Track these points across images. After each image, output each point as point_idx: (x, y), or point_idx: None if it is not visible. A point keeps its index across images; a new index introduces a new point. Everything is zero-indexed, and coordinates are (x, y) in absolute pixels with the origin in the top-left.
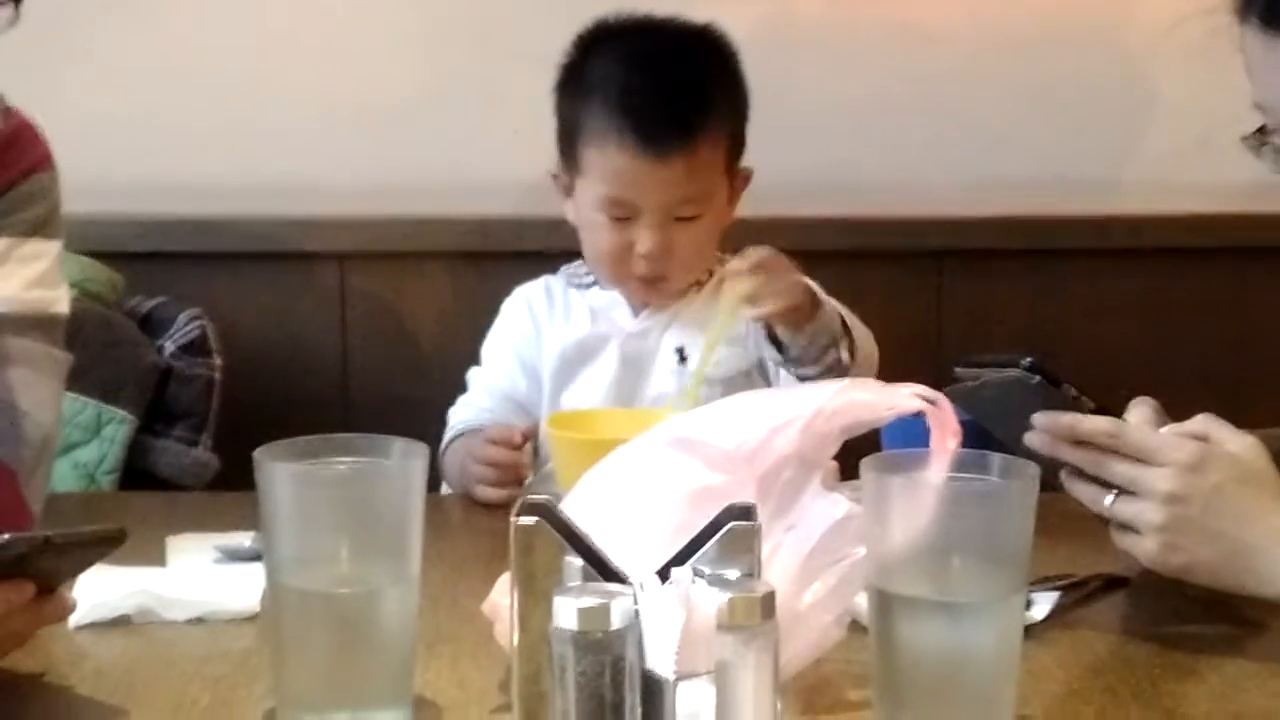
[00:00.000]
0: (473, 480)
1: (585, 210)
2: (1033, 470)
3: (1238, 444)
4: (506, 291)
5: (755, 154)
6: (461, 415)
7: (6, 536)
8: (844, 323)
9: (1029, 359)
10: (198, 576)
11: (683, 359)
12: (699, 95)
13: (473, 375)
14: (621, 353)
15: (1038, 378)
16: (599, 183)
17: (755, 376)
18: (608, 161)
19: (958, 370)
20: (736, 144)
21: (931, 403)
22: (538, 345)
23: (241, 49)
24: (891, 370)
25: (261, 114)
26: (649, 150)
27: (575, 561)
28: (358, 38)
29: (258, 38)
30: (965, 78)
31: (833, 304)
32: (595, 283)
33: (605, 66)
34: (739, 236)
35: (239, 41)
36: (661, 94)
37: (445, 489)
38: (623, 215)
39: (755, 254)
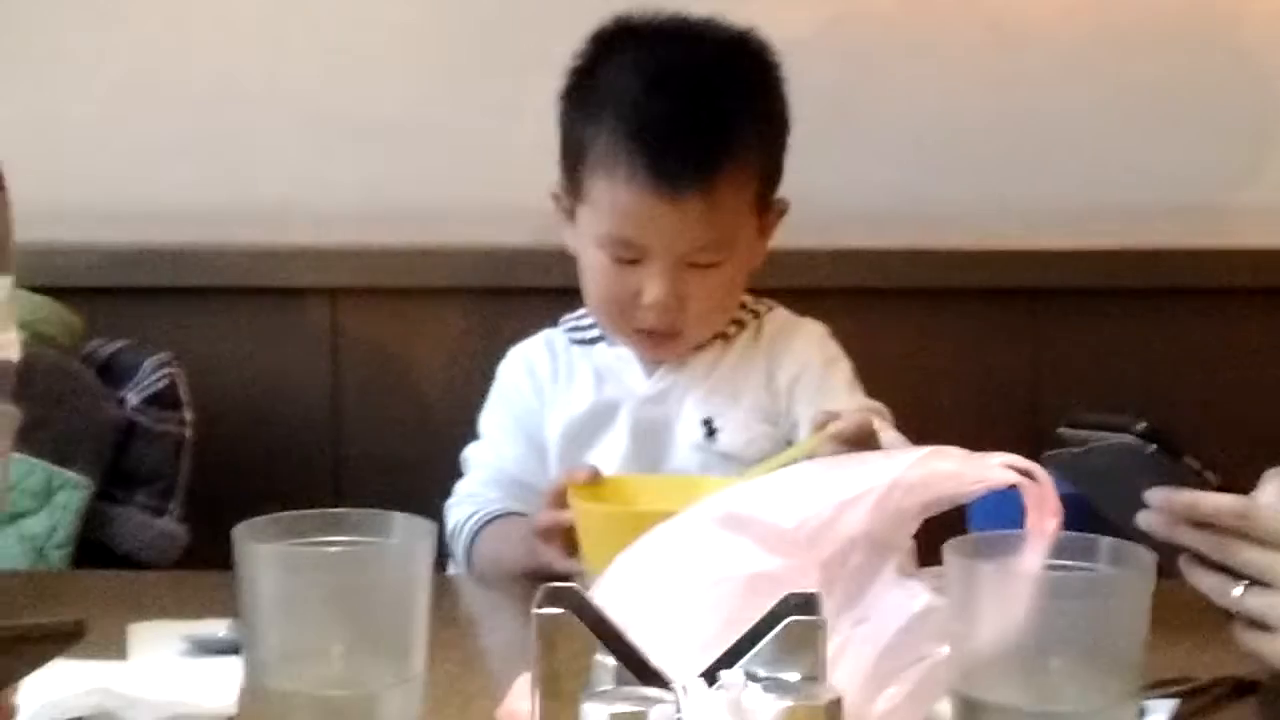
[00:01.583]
0: (544, 555)
1: (586, 245)
2: (1147, 557)
3: None
4: (524, 333)
5: (814, 175)
6: (465, 511)
7: None
8: None
9: (1144, 423)
10: (164, 672)
11: (711, 432)
12: (725, 126)
13: (471, 455)
14: (633, 421)
15: (1154, 446)
16: (602, 218)
17: None
18: (614, 196)
19: (1062, 431)
20: (770, 177)
21: (1028, 475)
22: (543, 418)
23: (220, 52)
24: (977, 430)
25: (242, 127)
26: (662, 189)
27: (607, 660)
28: (355, 40)
29: (239, 39)
30: (1062, 85)
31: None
32: (602, 337)
33: (620, 79)
34: (793, 271)
35: (217, 44)
36: (681, 123)
37: (453, 569)
38: (628, 258)
39: (851, 425)
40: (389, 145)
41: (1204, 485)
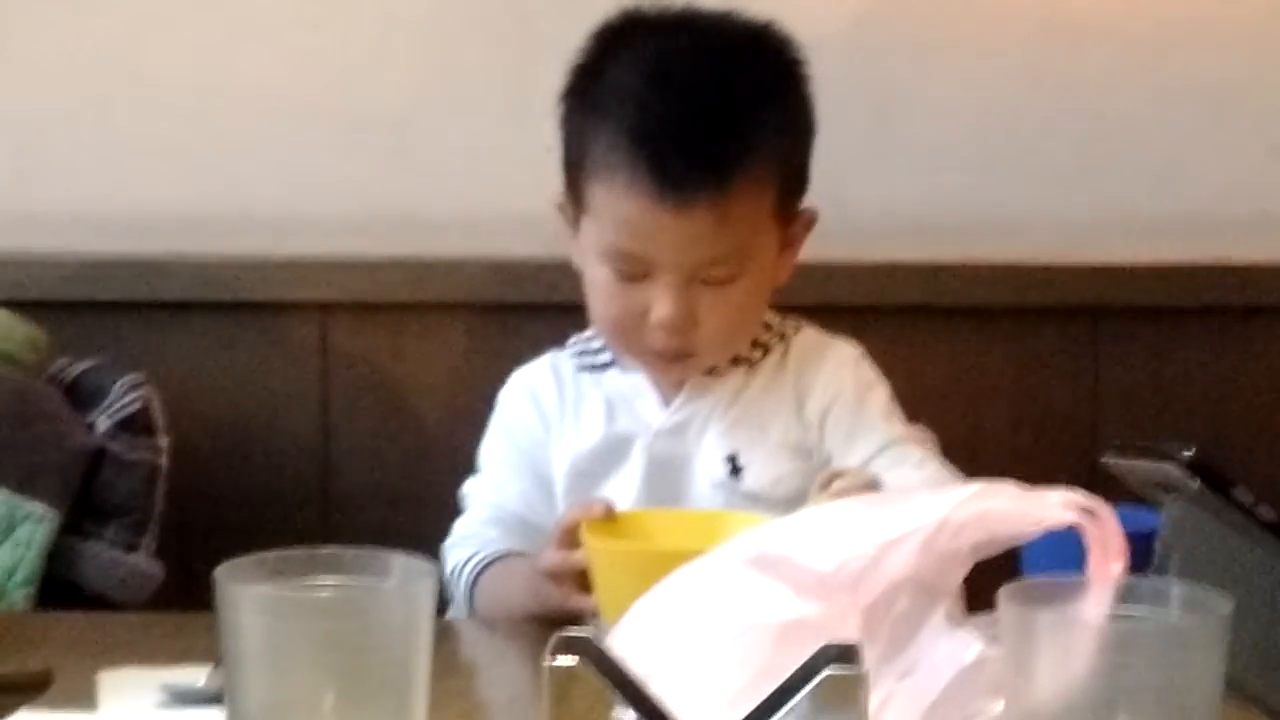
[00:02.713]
0: (553, 598)
1: (590, 259)
2: (1223, 604)
3: None
4: (535, 353)
5: (854, 182)
6: (465, 553)
7: None
8: None
9: (1191, 450)
10: None
11: (735, 470)
12: (738, 127)
13: (471, 491)
14: (648, 457)
15: (1198, 480)
16: (604, 229)
17: None
18: (614, 205)
19: (1105, 460)
20: (792, 183)
21: (1090, 514)
22: (548, 451)
23: (205, 48)
24: (1032, 462)
25: (225, 128)
26: (667, 196)
27: (626, 715)
28: (352, 34)
29: (226, 33)
30: (1127, 83)
31: None
32: (613, 362)
33: (624, 77)
34: (831, 286)
35: (201, 38)
36: (687, 123)
37: (452, 613)
38: (633, 272)
39: (852, 485)
40: (386, 148)
41: (1256, 521)
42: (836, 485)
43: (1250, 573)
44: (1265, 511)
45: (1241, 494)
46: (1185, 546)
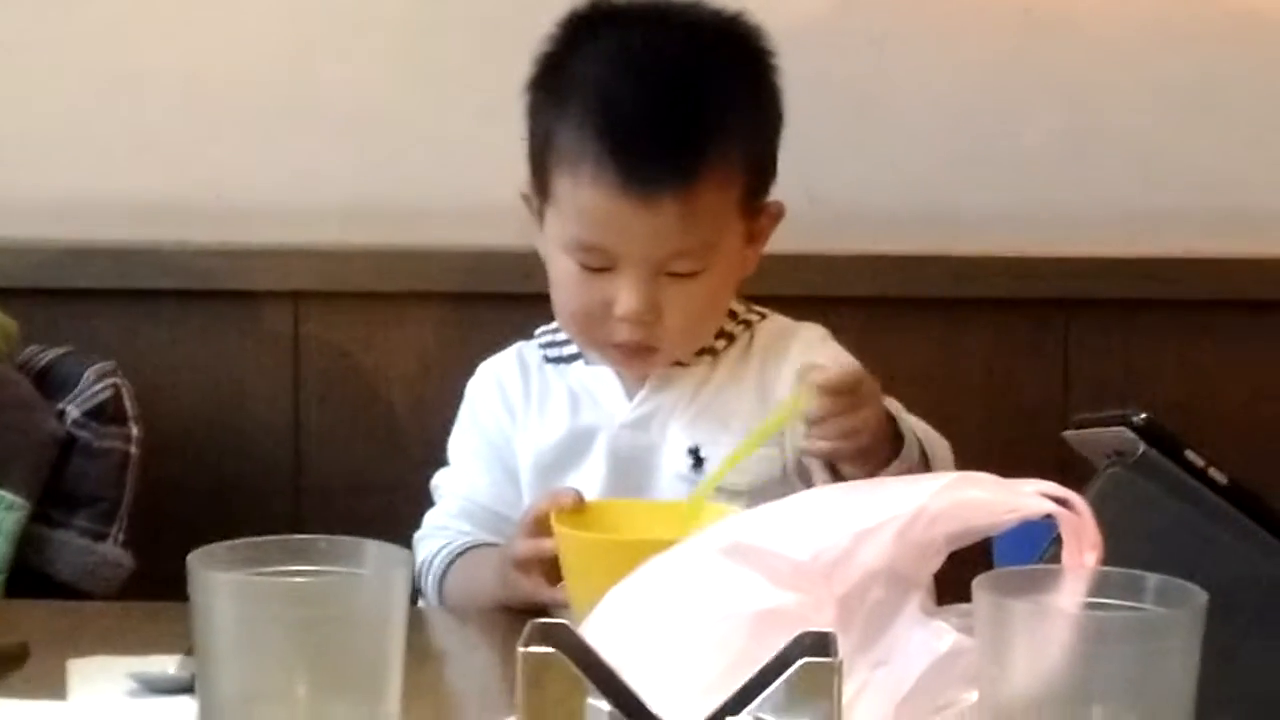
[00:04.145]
0: (522, 588)
1: (554, 251)
2: (1199, 595)
3: None
4: (505, 343)
5: (827, 173)
6: (434, 545)
7: None
8: (922, 452)
9: (1145, 415)
10: (108, 713)
11: (698, 462)
12: (705, 119)
13: (441, 484)
14: (611, 450)
15: (1143, 445)
16: (568, 221)
17: (795, 483)
18: (578, 196)
19: (1066, 434)
20: (758, 177)
21: (1064, 504)
22: (514, 443)
23: (170, 30)
24: (1004, 452)
25: (198, 116)
26: (631, 189)
27: (600, 704)
28: (326, 26)
29: (192, 16)
30: (1102, 77)
31: (911, 430)
32: (579, 354)
33: (590, 67)
34: (803, 277)
35: (168, 21)
36: (653, 115)
37: (422, 604)
38: (597, 265)
39: (836, 374)
40: (358, 138)
41: (1209, 483)
42: (818, 377)
43: (1186, 545)
44: (1217, 475)
45: (1193, 457)
46: (1114, 512)
